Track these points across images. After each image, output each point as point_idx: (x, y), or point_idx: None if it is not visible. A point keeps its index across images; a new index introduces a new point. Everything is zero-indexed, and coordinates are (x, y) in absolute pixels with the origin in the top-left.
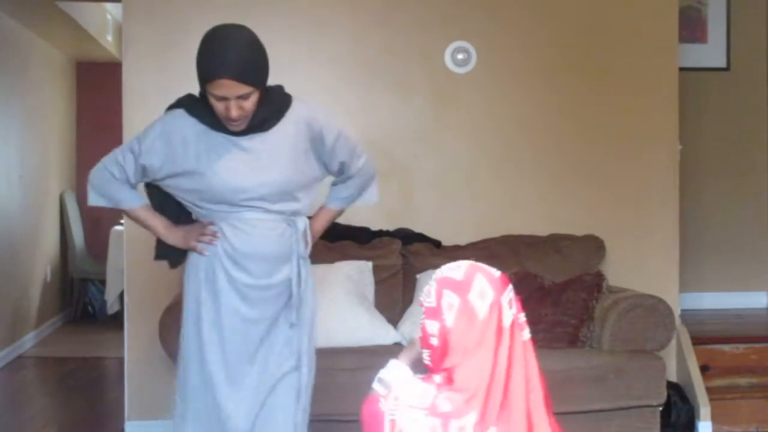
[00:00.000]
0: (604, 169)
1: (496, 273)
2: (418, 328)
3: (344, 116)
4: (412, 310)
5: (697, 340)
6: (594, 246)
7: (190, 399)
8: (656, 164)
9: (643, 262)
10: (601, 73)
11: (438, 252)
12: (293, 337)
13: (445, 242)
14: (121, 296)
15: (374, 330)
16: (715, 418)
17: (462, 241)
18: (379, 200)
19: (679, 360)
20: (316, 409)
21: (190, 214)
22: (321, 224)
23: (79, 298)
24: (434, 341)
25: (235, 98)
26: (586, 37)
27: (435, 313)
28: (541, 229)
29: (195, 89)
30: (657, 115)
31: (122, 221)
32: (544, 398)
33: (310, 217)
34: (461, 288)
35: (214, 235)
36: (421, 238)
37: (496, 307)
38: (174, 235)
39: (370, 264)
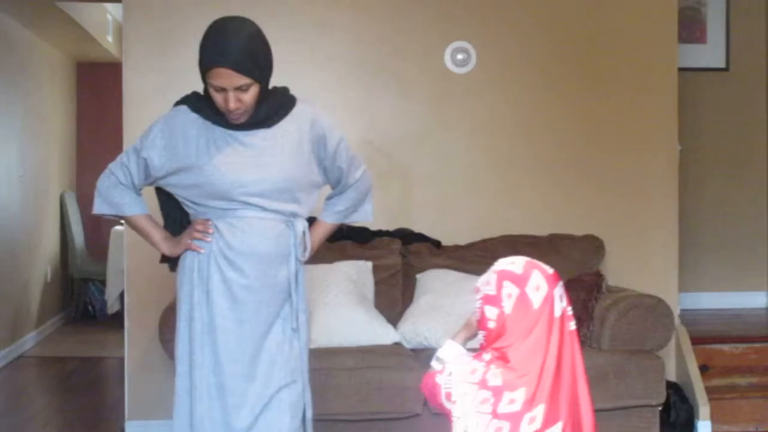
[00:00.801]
0: (603, 169)
1: (550, 270)
2: (476, 311)
3: (344, 116)
4: (412, 310)
5: (696, 340)
6: (593, 246)
7: (178, 404)
8: (655, 164)
9: (642, 262)
10: (601, 73)
11: (438, 252)
12: (291, 343)
13: (445, 242)
14: (121, 296)
15: (374, 330)
16: (714, 418)
17: (462, 240)
18: (379, 200)
19: (678, 360)
20: (317, 409)
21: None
22: (317, 238)
23: (80, 298)
24: (491, 324)
25: (234, 89)
26: (585, 38)
27: (495, 300)
28: (541, 229)
29: (195, 89)
30: (656, 115)
31: (122, 221)
32: (587, 387)
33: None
34: (520, 281)
35: (206, 230)
36: (421, 238)
37: (549, 299)
38: (172, 246)
39: (370, 264)
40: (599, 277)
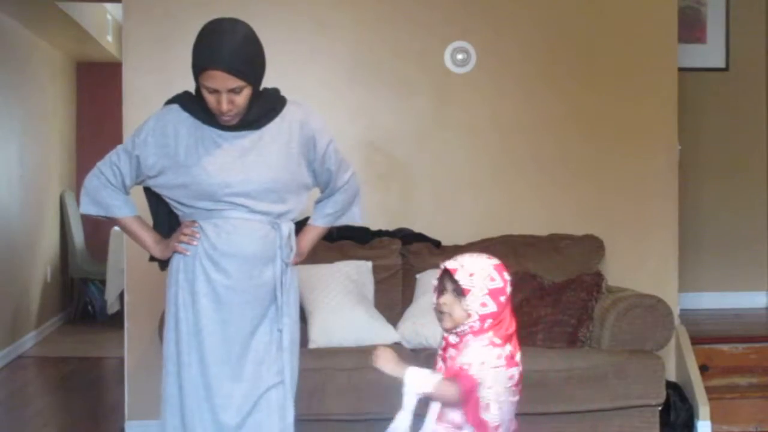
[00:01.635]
0: (603, 169)
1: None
2: (491, 305)
3: (344, 116)
4: (412, 310)
5: (696, 340)
6: (593, 246)
7: (169, 403)
8: (655, 164)
9: (642, 262)
10: (601, 73)
11: (438, 252)
12: (279, 345)
13: (445, 242)
14: (121, 296)
15: (374, 330)
16: (714, 418)
17: (461, 241)
18: (379, 200)
19: (678, 360)
20: (317, 409)
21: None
22: (307, 242)
23: (79, 298)
24: (496, 311)
25: (227, 91)
26: (585, 38)
27: (503, 290)
28: (541, 229)
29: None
30: (656, 115)
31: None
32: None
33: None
34: (505, 270)
35: (193, 234)
36: (421, 237)
37: (509, 281)
38: (162, 249)
39: (369, 264)
40: (599, 277)
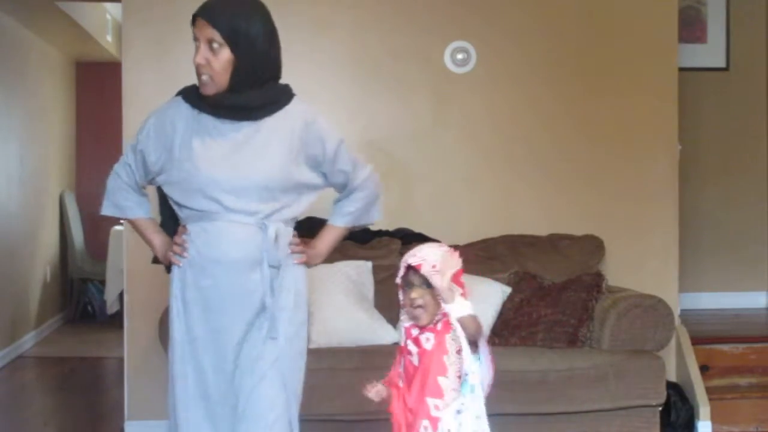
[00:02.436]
0: (603, 169)
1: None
2: (456, 289)
3: (344, 116)
4: None
5: (696, 340)
6: (593, 246)
7: (180, 408)
8: (655, 164)
9: (642, 262)
10: (601, 73)
11: None
12: (271, 355)
13: (445, 242)
14: (121, 296)
15: (374, 330)
16: (714, 418)
17: (461, 240)
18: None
19: (678, 360)
20: (317, 409)
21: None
22: (326, 244)
23: (79, 298)
24: (464, 287)
25: (205, 42)
26: (585, 37)
27: (461, 271)
28: (541, 229)
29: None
30: (656, 115)
31: (122, 221)
32: None
33: (311, 237)
34: (456, 251)
35: (182, 244)
36: (421, 237)
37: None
38: (164, 253)
39: (369, 264)
40: (599, 277)
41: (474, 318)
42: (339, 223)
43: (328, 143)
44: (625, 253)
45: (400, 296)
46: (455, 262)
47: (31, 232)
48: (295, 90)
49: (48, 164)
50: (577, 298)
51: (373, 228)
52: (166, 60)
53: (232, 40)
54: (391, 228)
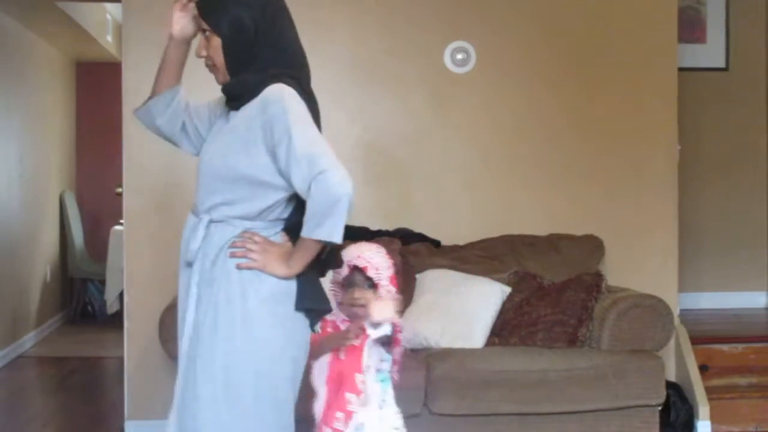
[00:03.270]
0: (603, 169)
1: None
2: (392, 289)
3: (343, 116)
4: (412, 310)
5: (696, 340)
6: (593, 246)
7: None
8: (655, 164)
9: (642, 262)
10: (601, 73)
11: (437, 252)
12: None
13: (445, 242)
14: (120, 296)
15: None
16: (714, 418)
17: (461, 240)
18: (379, 200)
19: (678, 360)
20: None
21: None
22: (294, 252)
23: (79, 298)
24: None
25: (201, 31)
26: (585, 38)
27: (395, 273)
28: (540, 229)
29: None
30: (656, 115)
31: (122, 221)
32: None
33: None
34: (389, 254)
35: None
36: (421, 237)
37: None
38: None
39: None
40: (599, 276)
41: (394, 325)
42: (303, 233)
43: (276, 128)
44: (624, 253)
45: (336, 293)
46: (390, 264)
47: (31, 232)
48: None
49: (48, 164)
50: (576, 298)
51: (373, 228)
52: None
53: (216, 24)
54: (390, 228)
